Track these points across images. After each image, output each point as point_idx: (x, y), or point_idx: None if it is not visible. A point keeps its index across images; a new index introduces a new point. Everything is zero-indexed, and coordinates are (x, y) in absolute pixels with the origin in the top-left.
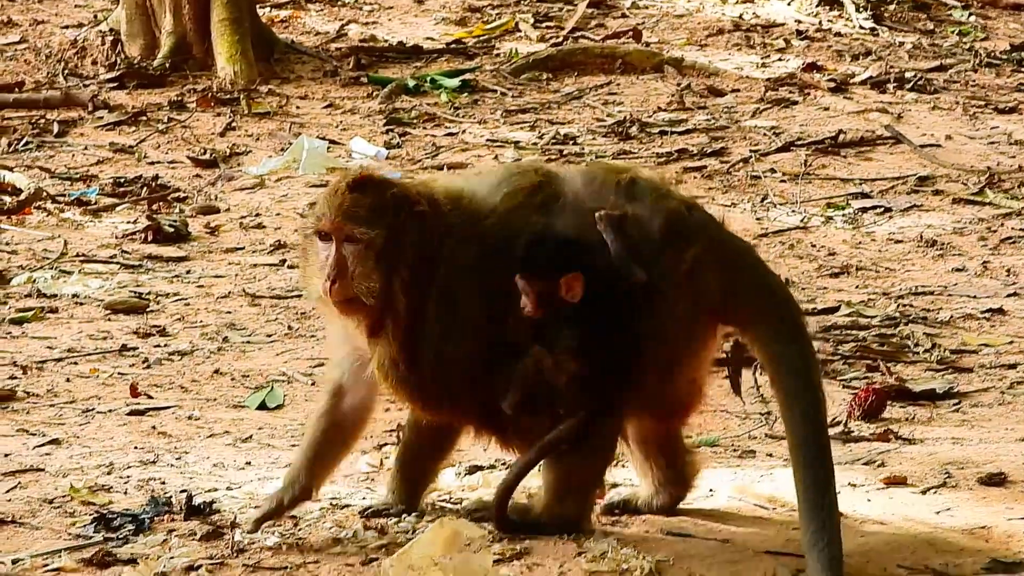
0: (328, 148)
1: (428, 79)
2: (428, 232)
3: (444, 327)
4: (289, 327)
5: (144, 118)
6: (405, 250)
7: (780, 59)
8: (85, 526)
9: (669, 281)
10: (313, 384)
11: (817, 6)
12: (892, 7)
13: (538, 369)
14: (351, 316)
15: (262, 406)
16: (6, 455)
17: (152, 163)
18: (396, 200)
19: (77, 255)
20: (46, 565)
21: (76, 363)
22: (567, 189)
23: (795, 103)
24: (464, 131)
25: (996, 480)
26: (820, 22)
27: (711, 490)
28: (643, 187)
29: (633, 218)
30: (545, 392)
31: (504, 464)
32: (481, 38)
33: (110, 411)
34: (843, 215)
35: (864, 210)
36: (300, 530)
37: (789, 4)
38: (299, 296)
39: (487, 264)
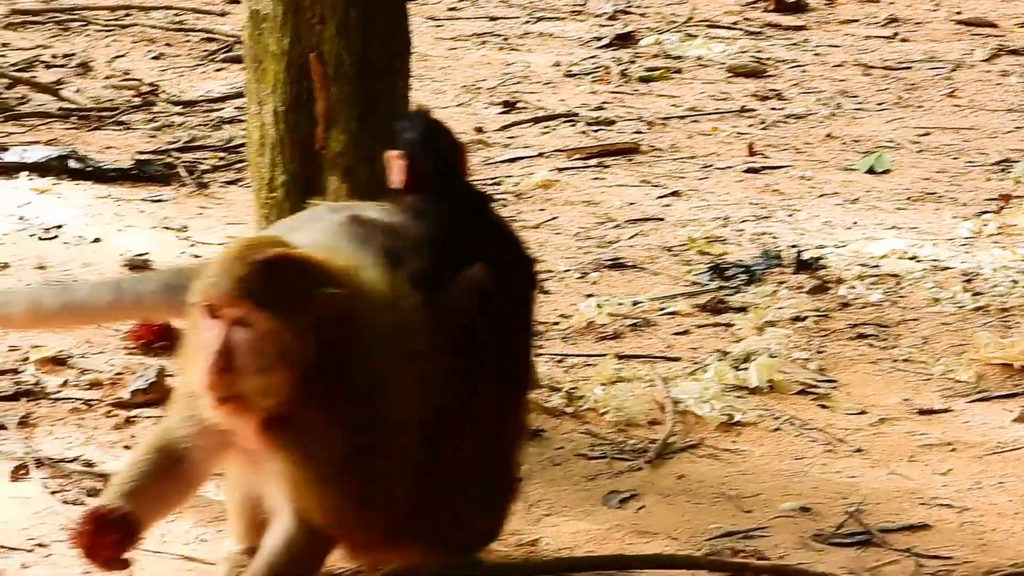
0: None
1: None
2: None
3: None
4: (899, 97)
5: None
6: (312, 343)
7: None
8: (700, 274)
9: None
10: (920, 152)
11: None
12: None
13: None
14: (235, 418)
15: (870, 170)
16: (630, 204)
17: None
18: (313, 282)
19: (702, 20)
20: (662, 308)
21: (697, 121)
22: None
23: None
24: None
25: None
26: None
27: None
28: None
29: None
30: None
31: None
32: None
33: (728, 167)
34: None
35: None
36: (901, 288)
37: None
38: (909, 68)
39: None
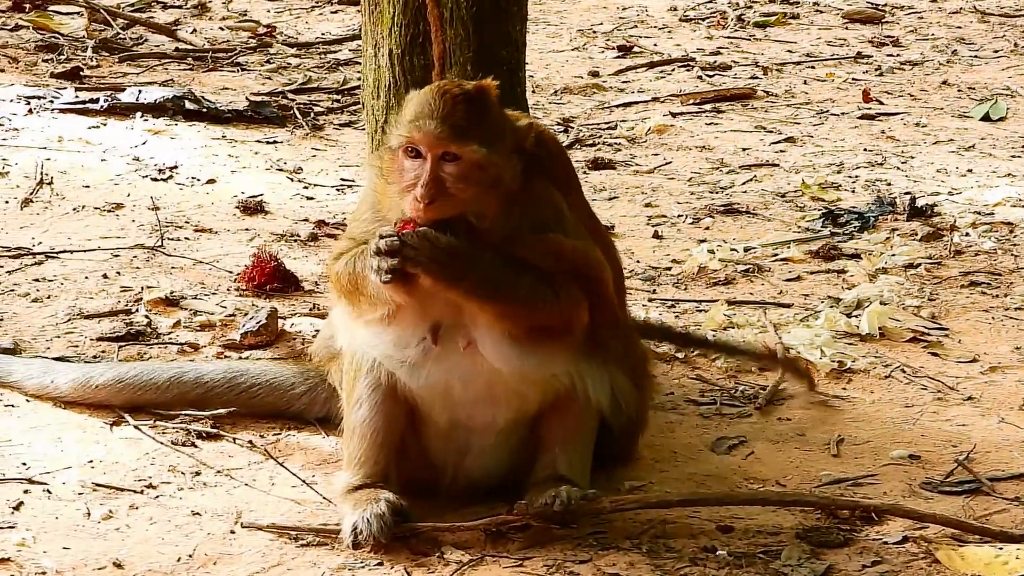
0: None
1: None
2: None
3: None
4: (1015, 44)
5: None
6: (510, 171)
7: None
8: (813, 220)
9: None
10: None
11: None
12: None
13: None
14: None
15: (985, 117)
16: (744, 149)
17: None
18: (506, 117)
19: None
20: (775, 254)
21: (813, 67)
22: None
23: None
24: None
25: None
26: None
27: None
28: None
29: None
30: None
31: None
32: None
33: (843, 114)
34: None
35: None
36: (1015, 236)
37: None
38: None
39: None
